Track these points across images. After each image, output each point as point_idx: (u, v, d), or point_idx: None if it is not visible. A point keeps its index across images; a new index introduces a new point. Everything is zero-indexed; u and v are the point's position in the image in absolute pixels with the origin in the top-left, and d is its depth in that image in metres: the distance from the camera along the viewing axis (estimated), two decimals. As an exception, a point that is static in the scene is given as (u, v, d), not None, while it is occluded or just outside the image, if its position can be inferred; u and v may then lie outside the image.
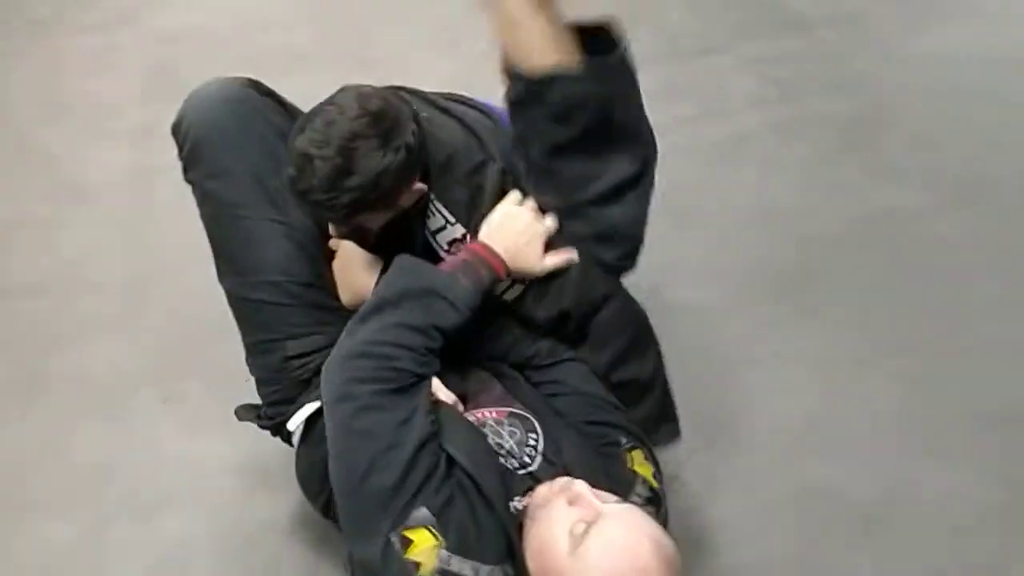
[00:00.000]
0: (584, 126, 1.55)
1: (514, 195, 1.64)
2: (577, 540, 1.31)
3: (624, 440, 1.58)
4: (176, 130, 1.71)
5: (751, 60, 3.06)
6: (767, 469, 1.98)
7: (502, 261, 1.59)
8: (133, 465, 2.08)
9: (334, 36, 3.43)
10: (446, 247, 1.69)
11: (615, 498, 1.41)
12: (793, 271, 2.37)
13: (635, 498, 1.51)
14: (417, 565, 1.35)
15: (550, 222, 1.62)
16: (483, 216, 1.63)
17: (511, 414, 1.57)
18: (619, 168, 1.60)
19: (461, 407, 1.57)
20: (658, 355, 1.71)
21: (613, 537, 1.30)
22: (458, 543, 1.36)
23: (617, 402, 1.64)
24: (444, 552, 1.35)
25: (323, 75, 3.13)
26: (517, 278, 1.63)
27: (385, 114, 1.54)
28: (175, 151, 1.74)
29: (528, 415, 1.57)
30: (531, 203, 1.63)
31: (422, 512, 1.36)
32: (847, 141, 2.76)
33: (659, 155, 1.56)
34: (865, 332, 2.22)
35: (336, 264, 1.74)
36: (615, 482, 1.50)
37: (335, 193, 1.53)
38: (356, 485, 1.40)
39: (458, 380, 1.61)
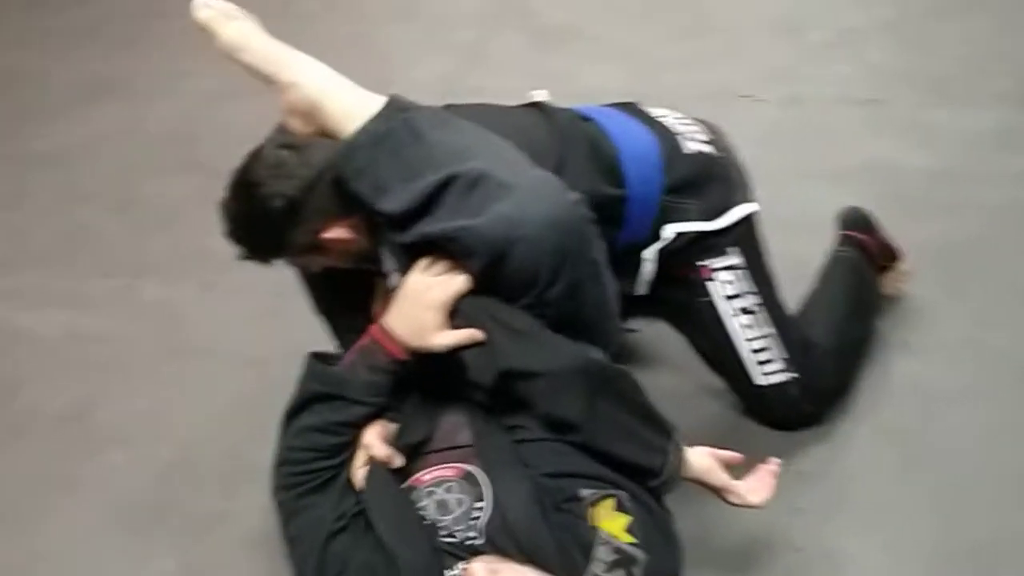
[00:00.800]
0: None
1: (422, 262, 1.55)
2: None
3: (587, 492, 1.46)
4: None
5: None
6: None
7: (399, 340, 1.53)
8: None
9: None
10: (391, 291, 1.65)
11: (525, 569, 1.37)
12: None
13: (597, 565, 1.40)
14: None
15: (459, 283, 1.51)
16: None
17: (467, 475, 1.50)
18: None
19: (399, 461, 1.53)
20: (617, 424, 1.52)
21: None
22: None
23: (586, 441, 1.50)
24: None
25: (651, 35, 3.15)
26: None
27: (279, 165, 1.58)
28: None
29: (480, 480, 1.48)
30: (440, 266, 1.54)
31: None
32: None
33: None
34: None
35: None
36: (575, 547, 1.41)
37: (231, 236, 1.65)
38: None
39: (426, 420, 1.57)
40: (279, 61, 1.60)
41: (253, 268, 2.36)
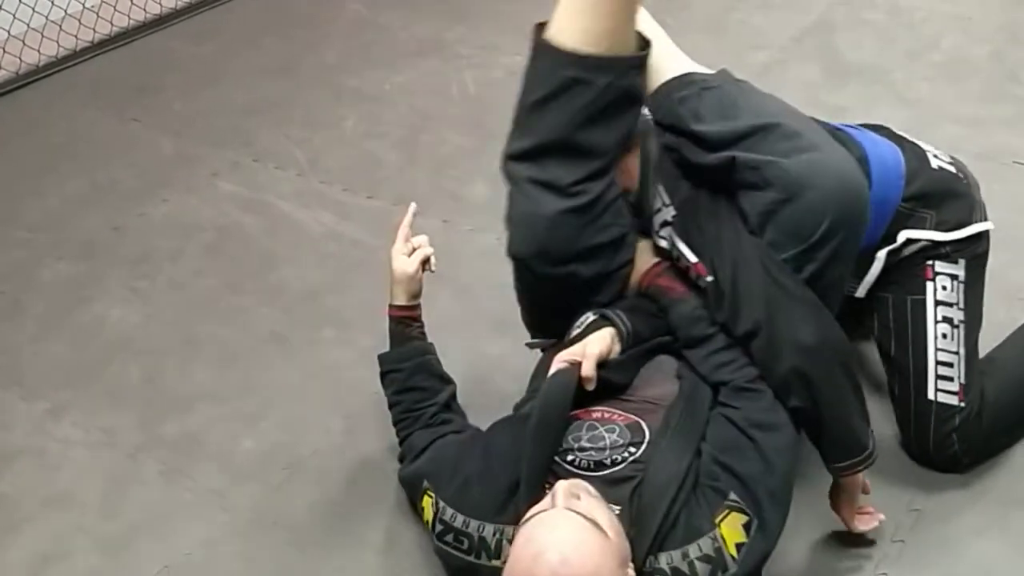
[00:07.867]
0: None
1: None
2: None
3: (733, 495, 1.53)
4: None
5: None
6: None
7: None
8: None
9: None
10: (657, 228, 1.78)
11: (604, 509, 1.48)
12: None
13: (693, 549, 1.48)
14: (427, 522, 1.72)
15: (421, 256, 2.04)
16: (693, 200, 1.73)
17: (633, 425, 1.62)
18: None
19: (591, 386, 1.64)
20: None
21: (532, 535, 1.42)
22: (453, 497, 1.67)
23: (772, 459, 1.56)
24: (440, 503, 1.69)
25: (949, 91, 3.10)
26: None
27: None
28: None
29: (645, 435, 1.60)
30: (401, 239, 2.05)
31: (423, 483, 1.75)
32: None
33: None
34: None
35: None
36: (684, 524, 1.50)
37: None
38: None
39: (633, 371, 1.71)
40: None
41: (484, 217, 2.65)
